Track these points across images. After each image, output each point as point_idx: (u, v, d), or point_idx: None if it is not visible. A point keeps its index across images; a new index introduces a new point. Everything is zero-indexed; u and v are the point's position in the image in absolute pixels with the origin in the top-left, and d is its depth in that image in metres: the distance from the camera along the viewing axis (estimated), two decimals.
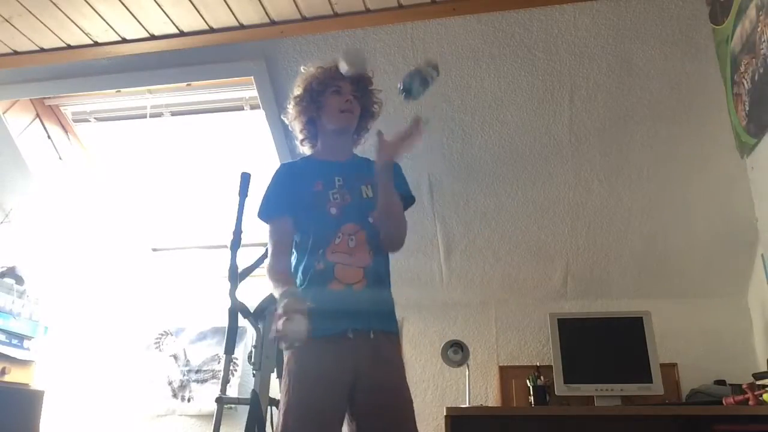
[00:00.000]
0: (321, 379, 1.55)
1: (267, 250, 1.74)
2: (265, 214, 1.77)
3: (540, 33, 2.43)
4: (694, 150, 2.64)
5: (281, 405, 1.57)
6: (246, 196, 2.48)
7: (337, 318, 1.62)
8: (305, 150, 1.88)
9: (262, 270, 2.77)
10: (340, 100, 1.79)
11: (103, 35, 2.54)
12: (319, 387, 1.55)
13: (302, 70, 1.86)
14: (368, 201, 1.75)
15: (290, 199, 1.74)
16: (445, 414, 2.46)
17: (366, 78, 1.84)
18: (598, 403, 2.67)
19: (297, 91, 1.84)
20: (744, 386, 2.37)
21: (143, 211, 3.48)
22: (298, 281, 1.67)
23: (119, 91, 2.97)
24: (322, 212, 1.72)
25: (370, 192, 1.77)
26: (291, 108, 1.86)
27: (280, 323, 1.45)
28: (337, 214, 1.72)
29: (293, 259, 1.72)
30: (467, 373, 2.86)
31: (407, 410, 1.60)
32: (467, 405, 2.81)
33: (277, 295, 1.58)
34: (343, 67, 1.80)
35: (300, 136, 1.87)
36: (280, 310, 1.48)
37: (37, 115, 3.10)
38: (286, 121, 1.89)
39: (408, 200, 1.82)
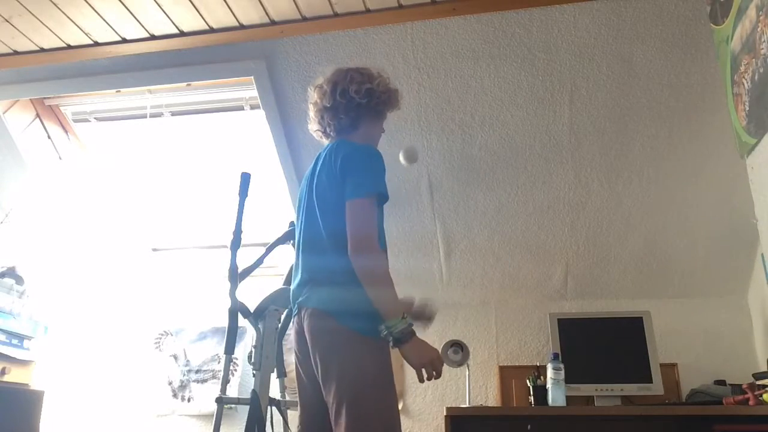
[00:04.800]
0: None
1: (362, 233, 1.57)
2: (383, 188, 1.64)
3: (540, 33, 2.43)
4: (694, 150, 2.64)
5: (377, 403, 1.52)
6: (246, 196, 2.48)
7: None
8: (314, 121, 1.83)
9: (262, 270, 2.80)
10: (382, 124, 1.88)
11: (103, 35, 2.54)
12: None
13: (382, 72, 1.83)
14: None
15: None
16: (445, 414, 2.46)
17: None
18: (598, 403, 2.67)
19: (386, 87, 1.80)
20: (744, 386, 2.37)
21: (143, 211, 3.48)
22: None
23: (119, 91, 2.97)
24: (383, 218, 1.74)
25: None
26: (377, 98, 1.78)
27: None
28: None
29: None
30: (467, 373, 2.86)
31: None
32: (467, 405, 2.81)
33: (390, 307, 1.54)
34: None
35: (351, 114, 1.77)
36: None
37: (37, 115, 3.10)
38: (353, 92, 1.75)
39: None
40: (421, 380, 1.55)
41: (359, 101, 1.75)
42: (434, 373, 1.54)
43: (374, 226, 1.58)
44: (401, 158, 2.63)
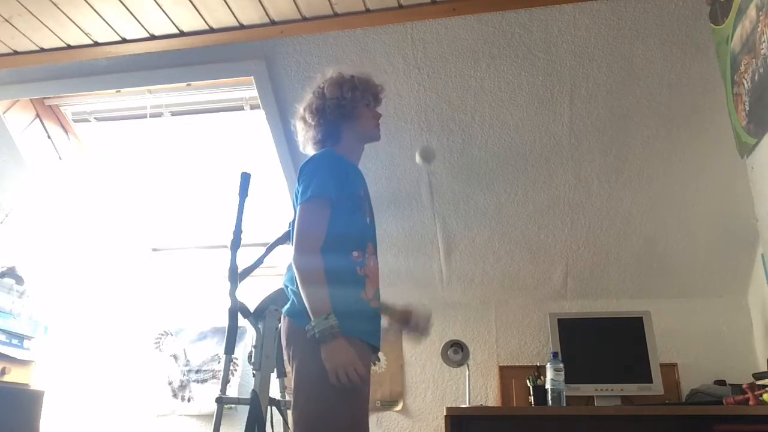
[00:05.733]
0: (366, 384, 1.58)
1: (301, 233, 1.63)
2: (322, 191, 1.65)
3: (540, 33, 2.43)
4: (694, 150, 2.64)
5: (321, 403, 1.52)
6: (246, 196, 2.48)
7: (373, 329, 1.69)
8: (308, 150, 1.86)
9: (262, 270, 2.79)
10: (371, 113, 1.87)
11: (103, 35, 2.54)
12: (365, 387, 1.58)
13: (333, 74, 1.85)
14: (374, 226, 1.82)
15: (344, 188, 1.69)
16: (445, 414, 2.46)
17: (381, 100, 1.93)
18: (598, 403, 2.67)
19: (335, 92, 1.81)
20: (744, 386, 2.37)
21: (143, 211, 3.48)
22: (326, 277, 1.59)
23: (119, 91, 2.97)
24: (363, 218, 1.75)
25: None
26: (330, 108, 1.80)
27: (347, 366, 1.47)
28: (369, 227, 1.77)
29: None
30: (467, 373, 2.86)
31: None
32: (467, 405, 2.81)
33: (316, 306, 1.53)
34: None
35: (320, 136, 1.82)
36: (343, 354, 1.48)
37: (37, 115, 3.10)
38: (308, 118, 1.82)
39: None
40: (333, 381, 1.49)
41: (317, 122, 1.81)
42: (347, 379, 1.49)
43: (316, 228, 1.63)
44: (417, 158, 2.55)
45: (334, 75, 1.85)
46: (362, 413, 1.56)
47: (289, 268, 1.73)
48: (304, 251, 1.60)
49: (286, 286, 1.73)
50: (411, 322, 1.96)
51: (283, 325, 1.68)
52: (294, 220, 1.73)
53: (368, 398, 1.68)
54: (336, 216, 1.65)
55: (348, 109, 1.80)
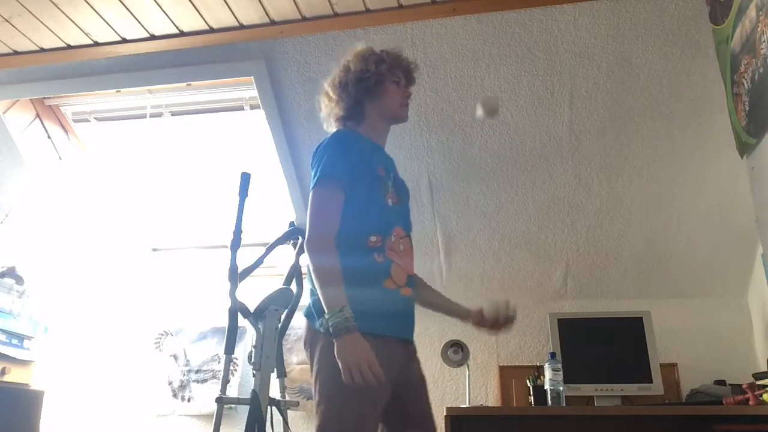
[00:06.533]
0: (389, 382, 1.49)
1: (311, 224, 1.53)
2: (329, 169, 1.54)
3: (540, 33, 2.43)
4: (694, 150, 2.64)
5: (329, 394, 1.46)
6: (246, 196, 2.49)
7: (401, 321, 1.60)
8: (330, 127, 1.76)
9: (262, 270, 2.79)
10: (399, 91, 1.75)
11: (103, 35, 2.54)
12: (379, 388, 1.45)
13: (360, 48, 1.75)
14: (408, 209, 1.75)
15: (357, 167, 1.58)
16: (445, 414, 2.46)
17: (414, 78, 1.82)
18: (598, 403, 2.67)
19: (360, 65, 1.70)
20: (744, 386, 2.37)
21: (143, 211, 3.48)
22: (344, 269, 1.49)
23: (119, 91, 2.97)
24: (383, 201, 1.63)
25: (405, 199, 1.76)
26: (353, 82, 1.69)
27: (363, 368, 1.37)
28: (392, 209, 1.65)
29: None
30: (467, 373, 2.86)
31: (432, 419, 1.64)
32: (467, 405, 2.81)
33: (330, 301, 1.43)
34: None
35: (342, 113, 1.71)
36: (353, 353, 1.38)
37: (37, 115, 3.10)
38: (331, 93, 1.73)
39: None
40: (346, 379, 1.38)
41: (339, 96, 1.71)
42: (361, 378, 1.37)
43: (327, 216, 1.53)
44: (478, 111, 2.21)
45: (362, 48, 1.75)
46: (373, 418, 1.47)
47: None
48: (314, 243, 1.50)
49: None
50: (487, 322, 1.81)
51: (303, 328, 1.63)
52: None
53: (406, 399, 1.61)
54: (350, 198, 1.55)
55: (372, 83, 1.68)
